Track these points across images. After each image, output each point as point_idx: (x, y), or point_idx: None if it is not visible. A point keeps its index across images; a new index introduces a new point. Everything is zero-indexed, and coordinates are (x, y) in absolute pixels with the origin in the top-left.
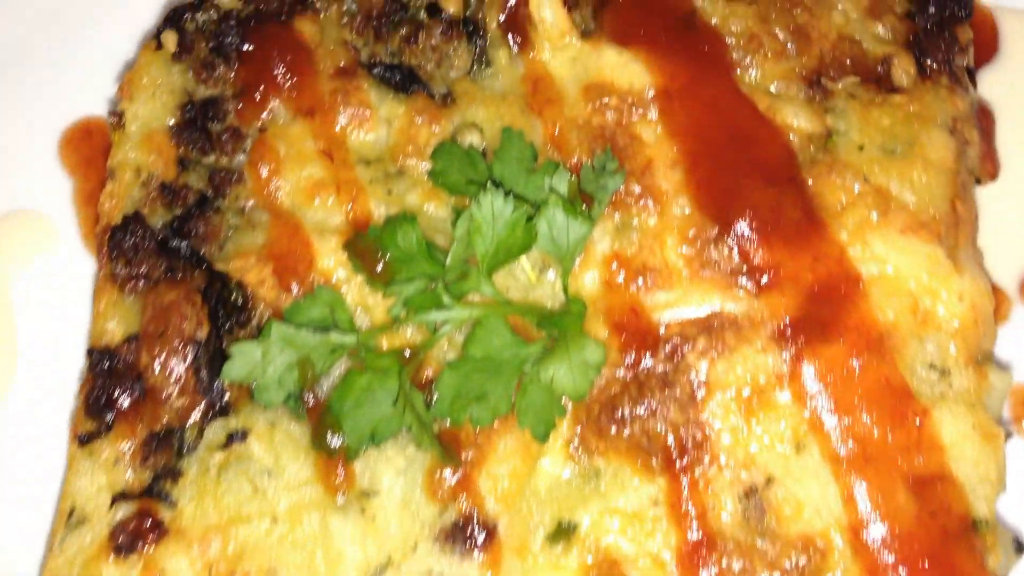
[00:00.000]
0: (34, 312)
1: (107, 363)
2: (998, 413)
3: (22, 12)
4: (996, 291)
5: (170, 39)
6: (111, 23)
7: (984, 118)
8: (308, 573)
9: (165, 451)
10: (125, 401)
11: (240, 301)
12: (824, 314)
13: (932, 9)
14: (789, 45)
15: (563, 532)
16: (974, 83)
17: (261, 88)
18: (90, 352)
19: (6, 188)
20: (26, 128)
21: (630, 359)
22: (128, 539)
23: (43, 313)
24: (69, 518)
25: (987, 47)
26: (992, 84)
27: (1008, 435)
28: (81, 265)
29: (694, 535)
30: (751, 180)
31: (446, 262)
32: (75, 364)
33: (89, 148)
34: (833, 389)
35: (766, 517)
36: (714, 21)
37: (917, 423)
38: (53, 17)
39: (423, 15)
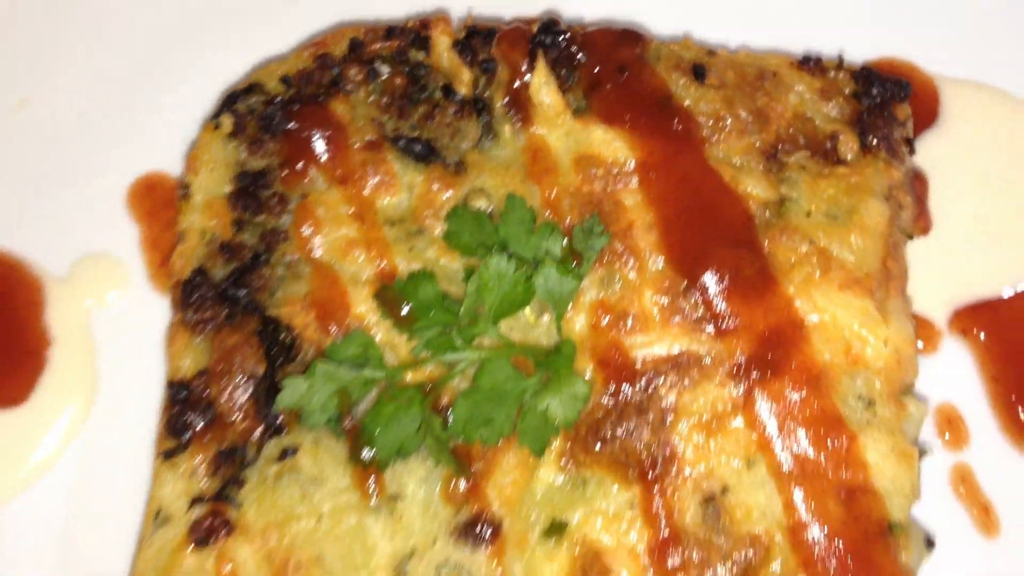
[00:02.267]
0: (110, 341)
1: (183, 394)
2: (915, 436)
3: (94, 81)
4: (928, 326)
5: (226, 121)
6: (168, 96)
7: (918, 183)
8: (348, 561)
9: (231, 464)
10: (199, 424)
11: (289, 341)
12: (773, 355)
13: (875, 91)
14: (751, 124)
15: (556, 529)
16: (912, 151)
17: (302, 160)
18: (169, 385)
19: (84, 234)
20: (99, 183)
21: (612, 389)
22: (203, 534)
23: (118, 342)
24: (156, 518)
25: (928, 112)
26: (931, 147)
27: (923, 454)
28: (148, 300)
29: (662, 532)
30: (715, 242)
31: (459, 312)
32: (147, 386)
33: (152, 200)
34: (778, 417)
35: (721, 519)
36: (687, 103)
37: (846, 445)
38: (120, 87)
39: (439, 95)
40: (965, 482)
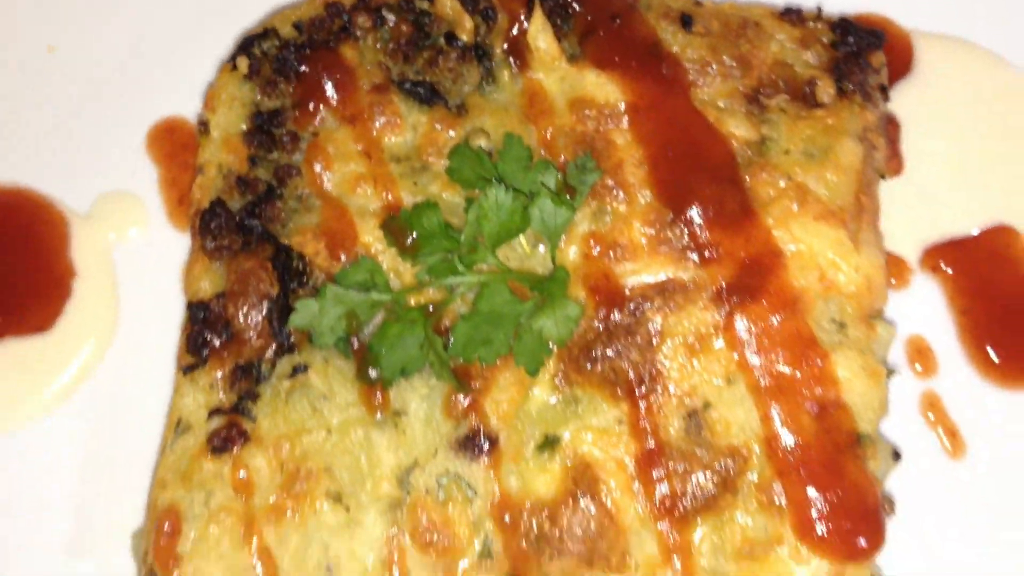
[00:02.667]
0: (131, 274)
1: (203, 314)
2: (883, 356)
3: (118, 29)
4: (900, 263)
5: (242, 63)
6: (187, 44)
7: (891, 126)
8: (355, 471)
9: (247, 379)
10: (217, 342)
11: (301, 268)
12: (752, 281)
13: (851, 40)
14: (734, 69)
15: (549, 443)
16: (887, 97)
17: (313, 101)
18: (189, 305)
19: (107, 173)
20: (121, 126)
21: (602, 313)
22: (221, 443)
23: (138, 275)
24: (177, 427)
25: (903, 64)
26: (905, 95)
27: (891, 373)
28: (166, 236)
29: (648, 445)
30: (700, 178)
31: (460, 240)
32: (166, 314)
33: (171, 143)
34: (757, 337)
35: (703, 432)
36: (675, 50)
37: (819, 363)
38: (141, 40)
39: (442, 42)
40: (934, 408)
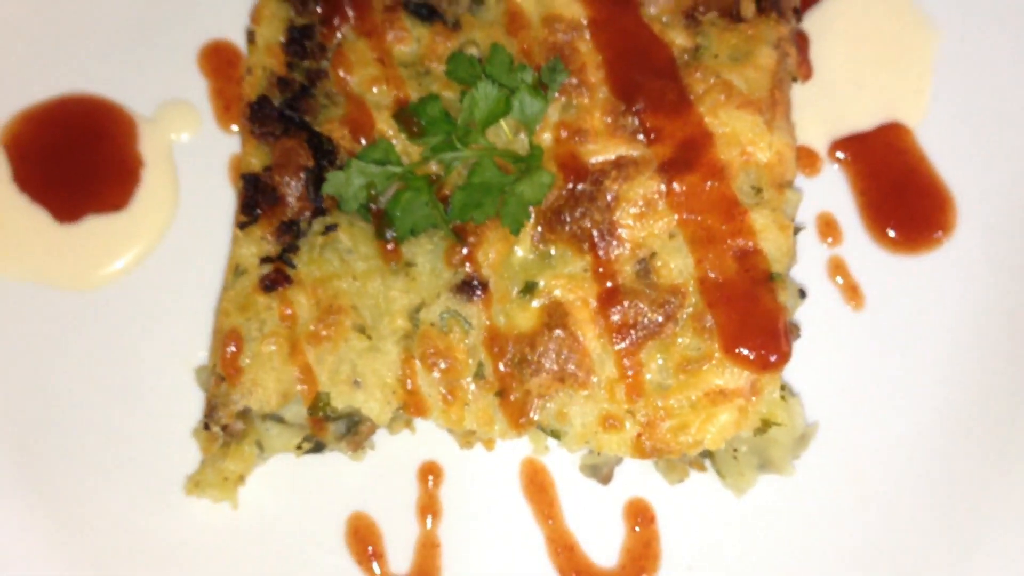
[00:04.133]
0: (189, 165)
1: (254, 182)
2: (792, 215)
3: None
4: (812, 153)
5: None
6: None
7: (801, 40)
8: (375, 309)
9: (289, 234)
10: (265, 204)
11: (330, 148)
12: (688, 156)
13: None
14: None
15: (529, 288)
16: (799, 17)
17: (336, 18)
18: (243, 176)
19: (166, 84)
20: (178, 45)
21: (570, 184)
22: (270, 283)
23: (194, 166)
24: (236, 271)
25: None
26: (816, 17)
27: (798, 229)
28: (216, 137)
29: (608, 287)
30: (646, 77)
31: (457, 124)
32: (215, 197)
33: (218, 60)
34: (692, 200)
35: (651, 276)
36: None
37: (740, 219)
38: None
39: None
40: (839, 270)
